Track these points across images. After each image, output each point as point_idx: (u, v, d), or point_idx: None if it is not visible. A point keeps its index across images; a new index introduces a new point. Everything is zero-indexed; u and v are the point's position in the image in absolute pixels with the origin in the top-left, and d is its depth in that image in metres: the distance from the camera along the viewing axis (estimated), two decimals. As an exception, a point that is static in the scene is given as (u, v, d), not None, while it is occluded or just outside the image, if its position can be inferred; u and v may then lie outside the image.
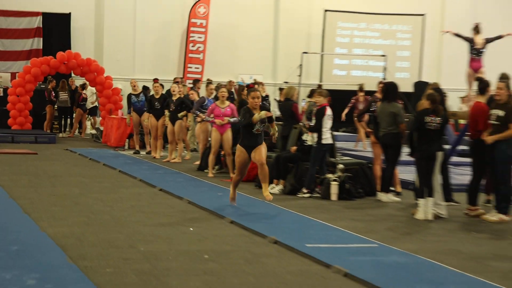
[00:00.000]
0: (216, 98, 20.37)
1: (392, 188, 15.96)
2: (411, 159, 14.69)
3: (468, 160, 15.55)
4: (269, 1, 32.42)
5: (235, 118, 18.91)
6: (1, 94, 30.05)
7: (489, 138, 13.82)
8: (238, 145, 13.58)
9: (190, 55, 31.74)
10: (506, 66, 19.19)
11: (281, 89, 21.10)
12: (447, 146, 16.30)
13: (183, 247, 10.70)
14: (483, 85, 15.05)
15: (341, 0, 32.52)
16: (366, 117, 17.78)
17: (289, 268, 9.66)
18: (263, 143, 13.50)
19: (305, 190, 16.28)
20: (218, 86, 20.99)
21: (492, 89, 14.72)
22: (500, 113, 13.72)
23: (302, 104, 18.51)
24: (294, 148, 16.75)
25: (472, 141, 14.71)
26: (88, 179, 17.92)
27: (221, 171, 19.34)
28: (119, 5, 31.02)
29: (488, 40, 22.67)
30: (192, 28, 31.63)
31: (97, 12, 31.39)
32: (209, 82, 23.86)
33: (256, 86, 22.88)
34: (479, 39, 22.71)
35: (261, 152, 13.23)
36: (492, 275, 9.48)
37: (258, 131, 13.11)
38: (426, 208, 14.03)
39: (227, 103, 19.31)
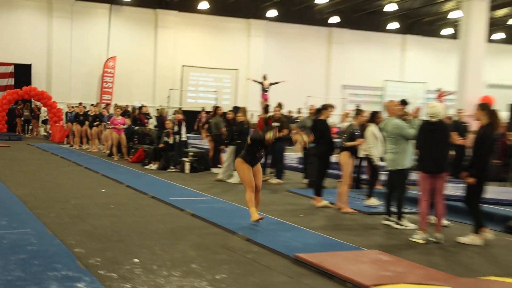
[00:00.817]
0: (123, 114, 20.26)
1: (219, 165, 16.03)
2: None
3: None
4: (150, 59, 31.98)
5: (125, 126, 19.08)
6: (-13, 112, 28.94)
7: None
8: (240, 159, 9.17)
9: (104, 89, 31.00)
10: (280, 98, 19.58)
11: (157, 110, 20.98)
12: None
13: (98, 201, 10.51)
14: (266, 108, 15.51)
15: (193, 59, 32.38)
16: (206, 126, 17.84)
17: (160, 212, 9.69)
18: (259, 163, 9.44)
19: (172, 168, 16.24)
20: (117, 106, 20.73)
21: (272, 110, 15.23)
22: (277, 124, 14.13)
23: (169, 118, 18.47)
24: (162, 145, 16.62)
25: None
26: (41, 162, 17.24)
27: (122, 157, 18.93)
28: (61, 60, 30.05)
29: (271, 83, 23.69)
30: (105, 74, 30.94)
31: (48, 63, 30.31)
32: (115, 105, 23.42)
33: (143, 107, 22.73)
34: (266, 82, 23.91)
35: (261, 178, 9.41)
36: (273, 213, 9.78)
37: (260, 156, 9.25)
38: (236, 177, 14.21)
39: (120, 117, 19.23)
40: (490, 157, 8.38)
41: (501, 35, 35.52)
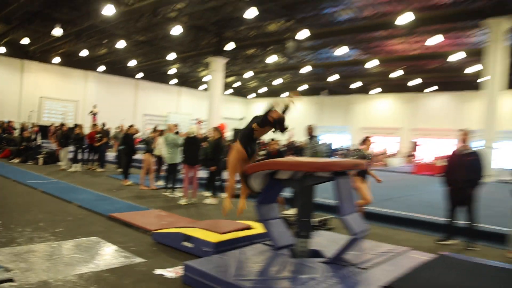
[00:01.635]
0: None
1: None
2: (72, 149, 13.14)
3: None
4: (18, 91, 27.10)
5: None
6: None
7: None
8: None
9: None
10: (104, 119, 18.12)
11: (21, 124, 18.02)
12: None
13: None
14: (94, 126, 13.98)
15: (48, 92, 28.15)
16: (55, 135, 15.60)
17: (19, 190, 8.36)
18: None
19: (30, 161, 13.99)
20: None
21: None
22: (100, 135, 12.92)
23: (29, 129, 15.97)
24: (23, 146, 14.28)
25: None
26: None
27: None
28: None
29: (96, 113, 21.49)
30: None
31: None
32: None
33: (11, 122, 19.15)
34: (95, 110, 21.62)
35: None
36: (97, 190, 8.97)
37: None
38: (75, 167, 12.79)
39: None
40: (221, 155, 8.89)
41: (230, 91, 37.99)
